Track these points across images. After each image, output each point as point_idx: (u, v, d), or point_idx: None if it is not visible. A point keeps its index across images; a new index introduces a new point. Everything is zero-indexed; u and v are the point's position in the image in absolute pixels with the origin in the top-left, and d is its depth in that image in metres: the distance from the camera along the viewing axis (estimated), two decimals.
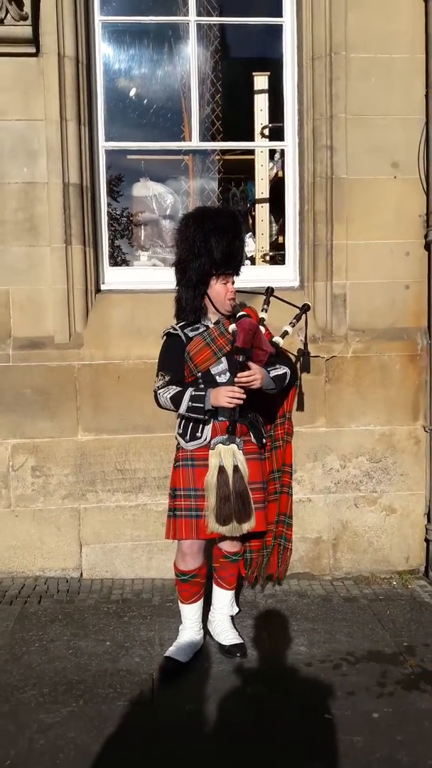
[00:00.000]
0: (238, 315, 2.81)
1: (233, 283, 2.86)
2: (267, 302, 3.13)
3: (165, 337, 2.90)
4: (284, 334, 3.01)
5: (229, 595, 3.03)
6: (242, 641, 2.93)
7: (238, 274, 2.91)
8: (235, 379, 2.70)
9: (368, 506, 3.75)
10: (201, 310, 2.84)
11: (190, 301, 2.82)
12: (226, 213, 2.92)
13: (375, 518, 3.76)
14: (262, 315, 3.05)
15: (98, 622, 3.18)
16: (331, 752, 2.27)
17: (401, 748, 2.29)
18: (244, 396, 2.70)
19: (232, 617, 3.07)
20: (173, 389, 2.76)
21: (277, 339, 2.97)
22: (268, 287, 3.18)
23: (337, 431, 3.71)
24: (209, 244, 2.73)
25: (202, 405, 2.70)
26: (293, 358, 3.26)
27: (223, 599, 3.01)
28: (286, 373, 2.87)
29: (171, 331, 2.87)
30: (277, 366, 2.85)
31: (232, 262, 2.82)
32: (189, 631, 2.90)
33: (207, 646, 2.95)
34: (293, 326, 3.08)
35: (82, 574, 3.66)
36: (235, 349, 2.70)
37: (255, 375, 2.71)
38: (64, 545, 3.64)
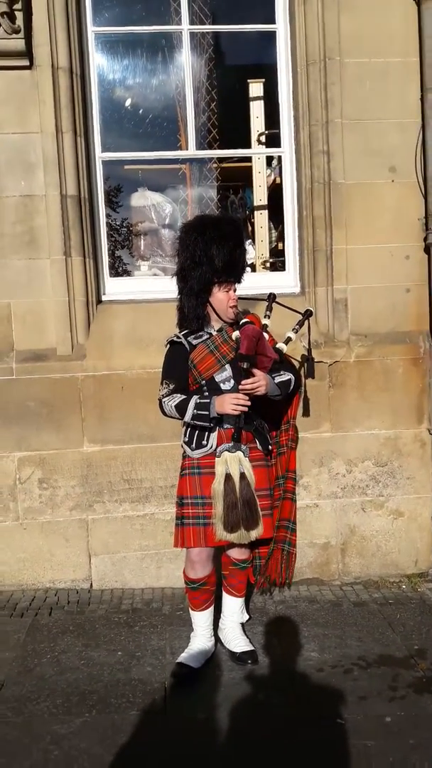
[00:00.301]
0: (241, 322, 2.83)
1: (235, 290, 2.87)
2: (269, 308, 3.14)
3: (168, 346, 2.91)
4: (287, 341, 3.02)
5: (239, 602, 3.04)
6: (253, 648, 2.94)
7: (239, 282, 2.92)
8: (240, 386, 2.71)
9: (375, 510, 3.76)
10: (204, 318, 2.85)
11: (192, 310, 2.83)
12: (227, 221, 2.93)
13: (382, 522, 3.76)
14: (265, 321, 3.06)
15: (109, 633, 3.19)
16: (343, 757, 2.28)
17: (414, 752, 2.29)
18: (248, 403, 2.71)
19: (243, 624, 3.08)
20: (178, 397, 2.77)
21: (280, 345, 2.98)
22: (270, 293, 3.19)
23: (343, 436, 3.71)
24: (210, 252, 2.75)
25: (207, 412, 2.71)
26: (297, 364, 3.27)
27: (233, 606, 3.02)
28: (290, 379, 2.89)
29: (174, 339, 2.89)
30: (282, 372, 2.87)
31: (233, 270, 2.83)
32: (200, 638, 2.91)
33: (218, 654, 2.95)
34: (296, 332, 3.09)
35: (91, 584, 3.67)
36: (239, 356, 2.71)
37: (259, 381, 2.72)
38: (73, 556, 3.65)
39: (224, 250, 2.76)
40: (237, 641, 2.95)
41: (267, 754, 2.31)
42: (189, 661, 2.80)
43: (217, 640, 3.01)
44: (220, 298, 2.83)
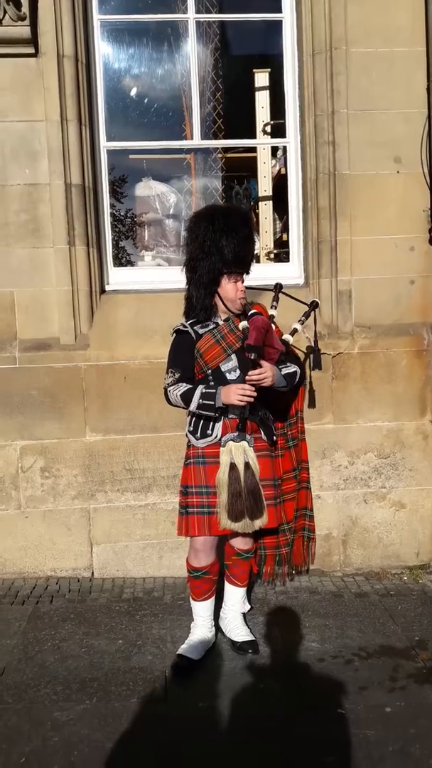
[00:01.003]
0: (249, 313, 2.82)
1: (243, 281, 2.86)
2: (276, 299, 3.13)
3: (175, 335, 2.90)
4: (294, 332, 3.02)
5: (241, 592, 3.04)
6: (254, 638, 2.94)
7: (248, 273, 2.91)
8: (247, 377, 2.70)
9: (377, 502, 3.76)
10: (211, 308, 2.85)
11: (200, 300, 2.83)
12: (237, 212, 2.92)
13: (384, 514, 3.76)
14: (271, 312, 3.06)
15: (110, 621, 3.19)
16: (344, 746, 2.28)
17: (414, 742, 2.30)
18: (255, 394, 2.70)
19: (244, 614, 3.08)
20: (183, 386, 2.77)
21: (287, 337, 2.97)
22: (277, 284, 3.18)
23: (345, 428, 3.71)
24: (220, 243, 2.74)
25: (212, 402, 2.71)
26: (301, 356, 3.26)
27: (235, 596, 3.02)
28: (296, 371, 2.88)
29: (181, 328, 2.88)
30: (288, 364, 2.86)
31: (242, 261, 2.82)
32: (201, 629, 2.91)
33: (219, 643, 2.96)
34: (302, 323, 3.08)
35: (93, 573, 3.68)
36: (247, 347, 2.70)
37: (266, 372, 2.71)
38: (74, 545, 3.66)
39: (234, 242, 2.75)
40: (238, 631, 2.96)
41: (267, 743, 2.32)
42: (189, 653, 2.81)
43: (218, 629, 3.01)
44: (229, 289, 2.82)
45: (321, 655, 2.87)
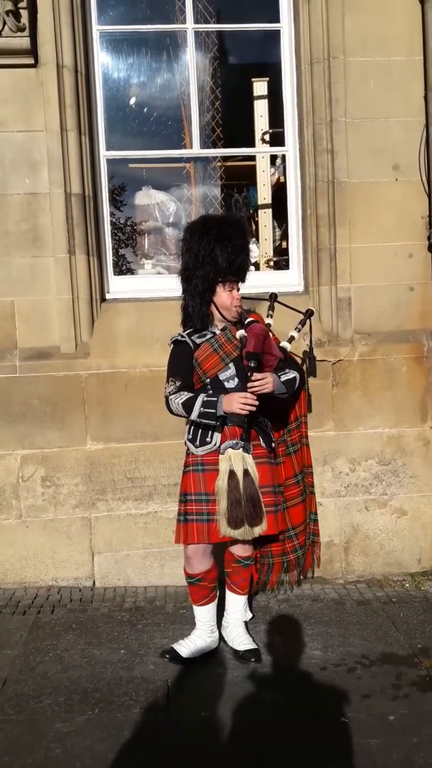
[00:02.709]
0: (246, 321, 2.83)
1: (239, 290, 2.88)
2: (272, 308, 3.15)
3: (173, 345, 2.92)
4: (291, 339, 3.03)
5: (242, 600, 3.03)
6: (256, 646, 2.93)
7: (243, 281, 2.92)
8: (248, 385, 2.71)
9: (379, 509, 3.75)
10: (208, 317, 2.87)
11: (196, 309, 2.85)
12: (230, 221, 2.94)
13: (386, 521, 3.75)
14: (268, 321, 3.07)
15: (112, 631, 3.18)
16: (347, 755, 2.27)
17: (417, 750, 2.29)
18: (256, 403, 2.71)
19: (246, 622, 3.08)
20: (185, 395, 2.78)
21: (284, 344, 2.98)
22: (272, 293, 3.20)
23: (346, 435, 3.71)
24: (214, 252, 2.76)
25: (214, 411, 2.72)
26: (300, 362, 3.27)
27: (237, 604, 3.01)
28: (295, 377, 2.90)
29: (179, 338, 2.90)
30: (287, 371, 2.88)
31: (237, 269, 2.84)
32: (198, 632, 2.92)
33: (221, 652, 2.95)
34: (299, 331, 3.10)
35: (94, 582, 3.67)
36: (246, 355, 2.71)
37: (267, 379, 2.72)
38: (75, 554, 3.65)
39: (227, 250, 2.78)
40: (240, 639, 2.95)
41: (270, 753, 2.31)
42: (178, 647, 2.85)
43: (221, 638, 3.00)
44: (224, 297, 2.84)
45: (323, 663, 2.86)
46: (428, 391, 3.75)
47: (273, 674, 2.80)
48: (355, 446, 3.72)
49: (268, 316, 3.11)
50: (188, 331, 2.90)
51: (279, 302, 3.18)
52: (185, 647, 2.87)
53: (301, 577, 3.43)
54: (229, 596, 3.02)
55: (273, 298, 3.19)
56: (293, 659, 2.91)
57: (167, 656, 2.85)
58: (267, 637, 3.09)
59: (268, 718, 2.50)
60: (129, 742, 2.36)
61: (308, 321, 3.14)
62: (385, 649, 2.97)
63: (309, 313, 3.14)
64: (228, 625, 3.01)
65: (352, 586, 3.65)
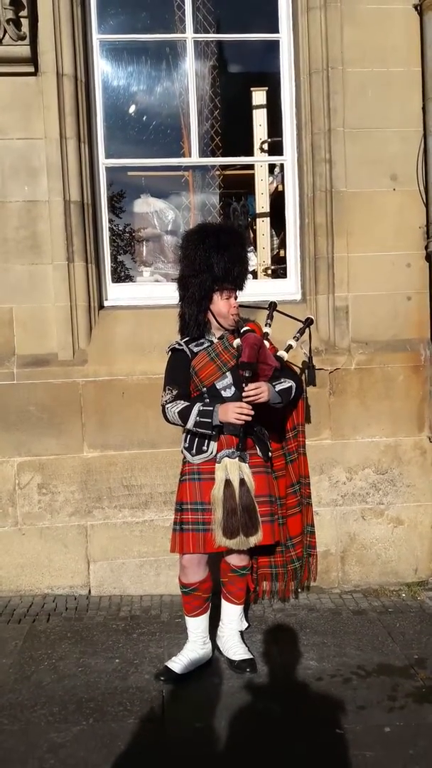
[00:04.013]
0: (242, 330, 2.83)
1: (236, 298, 2.88)
2: (270, 317, 3.15)
3: (170, 353, 2.92)
4: (288, 348, 3.02)
5: (238, 609, 3.02)
6: (252, 656, 2.92)
7: (241, 289, 2.92)
8: (243, 395, 2.70)
9: (375, 518, 3.74)
10: (205, 325, 2.87)
11: (193, 317, 2.85)
12: (227, 229, 2.94)
13: (382, 530, 3.75)
14: (266, 329, 3.07)
15: (107, 640, 3.17)
16: (342, 767, 2.26)
17: (413, 763, 2.27)
18: (252, 413, 2.70)
19: (242, 632, 3.07)
20: (181, 404, 2.78)
21: (281, 353, 2.98)
22: (271, 302, 3.20)
23: (343, 443, 3.71)
24: (210, 260, 2.77)
25: (210, 420, 2.71)
26: (298, 371, 3.27)
27: (232, 614, 3.00)
28: (291, 386, 2.88)
29: (176, 346, 2.90)
30: (282, 380, 2.86)
31: (234, 277, 2.84)
32: (191, 644, 2.90)
33: (216, 662, 2.93)
34: (297, 340, 3.09)
35: (90, 591, 3.65)
36: (241, 365, 2.71)
37: (261, 389, 2.72)
38: (71, 563, 3.64)
39: (224, 259, 2.78)
40: (235, 649, 2.94)
41: (265, 764, 2.29)
42: (171, 665, 2.82)
43: (216, 647, 2.99)
44: (221, 305, 2.84)
45: (319, 673, 2.85)
46: (425, 400, 3.75)
47: (268, 684, 2.79)
48: (351, 455, 3.72)
49: (266, 325, 3.11)
50: (186, 339, 2.90)
51: (278, 311, 3.18)
52: (178, 663, 2.83)
53: (299, 590, 3.42)
54: (225, 606, 3.01)
55: (272, 306, 3.18)
56: (289, 669, 2.89)
57: (162, 678, 2.78)
58: (263, 647, 3.08)
59: (263, 728, 2.49)
60: (124, 753, 2.35)
61: (307, 330, 3.14)
62: (381, 659, 2.96)
63: (308, 322, 3.14)
64: (223, 634, 3.00)
65: (348, 596, 3.64)
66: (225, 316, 2.85)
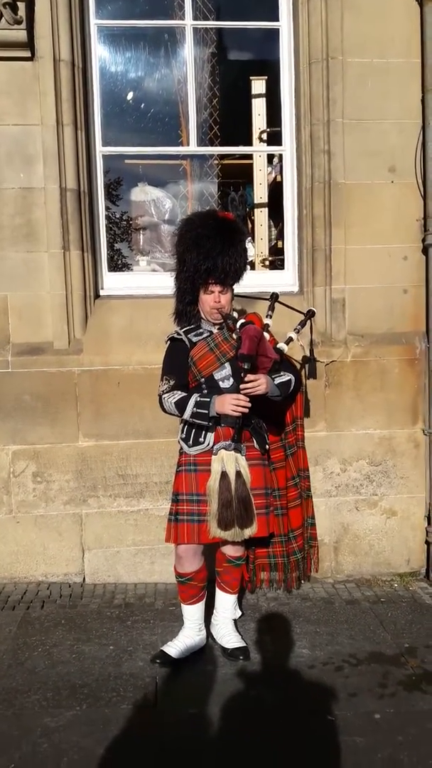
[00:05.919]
0: (241, 322, 2.82)
1: (224, 292, 2.81)
2: (272, 308, 3.12)
3: (169, 342, 2.91)
4: (289, 341, 3.02)
5: (232, 599, 3.05)
6: (245, 644, 2.95)
7: (231, 284, 2.84)
8: (241, 386, 2.70)
9: (369, 509, 3.77)
10: (194, 316, 2.88)
11: (182, 308, 2.88)
12: (211, 225, 2.80)
13: (376, 521, 3.78)
14: (266, 321, 3.06)
15: (101, 627, 3.19)
16: (333, 753, 2.29)
17: (403, 749, 2.31)
18: (249, 404, 2.70)
19: (235, 621, 3.09)
20: (178, 394, 2.78)
21: (281, 345, 2.96)
22: (273, 293, 3.18)
23: (338, 435, 3.72)
24: (192, 252, 2.74)
25: (206, 411, 2.72)
26: (297, 364, 3.27)
27: (226, 603, 3.03)
28: (290, 380, 2.87)
29: (175, 336, 2.89)
30: (282, 373, 2.85)
31: (219, 273, 2.75)
32: (186, 630, 2.93)
33: (210, 650, 2.96)
34: (298, 332, 3.07)
35: (84, 579, 3.67)
36: (240, 357, 2.70)
37: (259, 381, 2.71)
38: (66, 550, 3.65)
39: (204, 251, 2.72)
40: (229, 637, 2.96)
41: (257, 749, 2.32)
42: (167, 649, 2.86)
43: (210, 635, 3.02)
44: (204, 300, 2.82)
45: (311, 661, 2.88)
46: (420, 393, 3.77)
47: (261, 672, 2.82)
48: (346, 447, 3.74)
49: (267, 316, 3.09)
50: (186, 328, 2.89)
51: (280, 302, 3.17)
52: (174, 648, 2.87)
53: (301, 581, 3.46)
54: (219, 595, 3.03)
55: (274, 298, 3.15)
56: (281, 657, 2.92)
57: (158, 661, 2.83)
58: (256, 635, 3.11)
59: (256, 715, 2.52)
60: (116, 738, 2.38)
61: (309, 322, 3.13)
62: (373, 648, 2.99)
63: (310, 314, 3.12)
64: (217, 623, 3.03)
65: (341, 586, 3.67)
66: (207, 311, 2.83)
